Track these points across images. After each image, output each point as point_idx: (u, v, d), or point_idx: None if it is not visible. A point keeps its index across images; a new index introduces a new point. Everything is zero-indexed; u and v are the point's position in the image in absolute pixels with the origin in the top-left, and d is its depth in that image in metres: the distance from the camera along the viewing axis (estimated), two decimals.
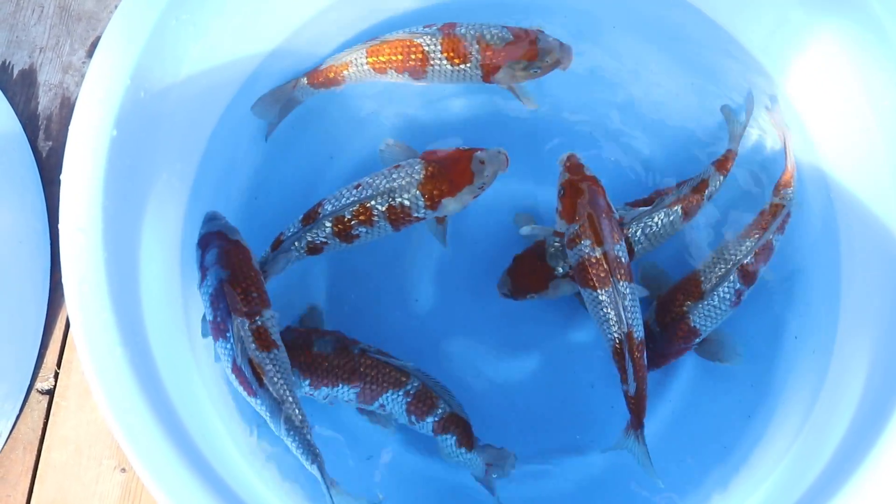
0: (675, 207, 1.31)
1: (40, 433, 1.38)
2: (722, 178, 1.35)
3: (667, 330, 1.30)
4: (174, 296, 1.28)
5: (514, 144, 1.35)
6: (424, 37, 1.28)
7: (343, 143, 1.42)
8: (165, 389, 1.12)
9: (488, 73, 1.30)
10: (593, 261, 1.22)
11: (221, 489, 1.07)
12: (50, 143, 1.51)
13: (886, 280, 1.27)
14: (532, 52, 1.30)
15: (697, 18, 1.45)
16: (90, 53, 1.25)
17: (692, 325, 1.29)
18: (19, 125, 1.50)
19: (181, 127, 1.28)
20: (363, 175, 1.30)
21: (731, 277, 1.29)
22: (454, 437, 1.22)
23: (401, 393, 1.20)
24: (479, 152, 1.29)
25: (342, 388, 1.20)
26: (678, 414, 1.35)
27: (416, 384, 1.21)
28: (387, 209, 1.25)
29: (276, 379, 1.13)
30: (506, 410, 1.34)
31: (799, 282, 1.39)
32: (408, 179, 1.26)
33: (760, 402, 1.34)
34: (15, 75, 1.55)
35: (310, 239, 1.28)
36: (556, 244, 1.30)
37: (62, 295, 1.36)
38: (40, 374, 1.40)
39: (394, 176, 1.26)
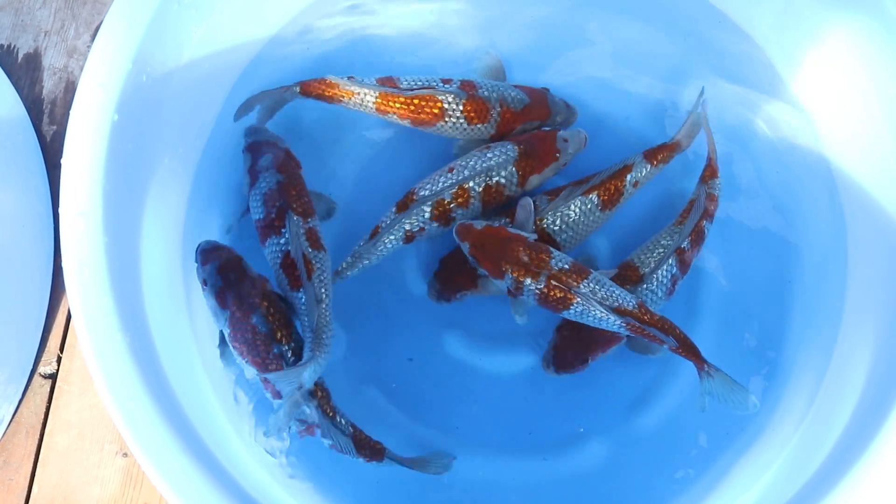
0: (591, 195, 1.30)
1: (43, 417, 1.38)
2: (649, 167, 1.33)
3: None
4: (175, 281, 1.28)
5: None
6: (447, 95, 1.31)
7: (348, 126, 1.42)
8: (166, 375, 1.13)
9: (501, 134, 1.35)
10: (546, 291, 1.20)
11: (221, 475, 1.07)
12: (54, 127, 1.51)
13: (891, 270, 1.26)
14: (545, 113, 1.36)
15: (701, 5, 1.44)
16: (95, 37, 1.25)
17: None
18: (24, 109, 1.50)
19: (183, 111, 1.28)
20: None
21: (670, 262, 1.27)
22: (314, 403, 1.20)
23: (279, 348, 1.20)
24: (561, 131, 1.33)
25: (248, 365, 1.19)
26: (684, 401, 1.34)
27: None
28: (483, 189, 1.29)
29: (322, 277, 1.20)
30: (506, 402, 1.34)
31: (804, 271, 1.38)
32: (504, 158, 1.29)
33: (765, 390, 1.34)
34: (20, 59, 1.54)
35: (408, 227, 1.29)
36: None
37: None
38: (43, 359, 1.40)
39: (488, 155, 1.30)
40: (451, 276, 1.32)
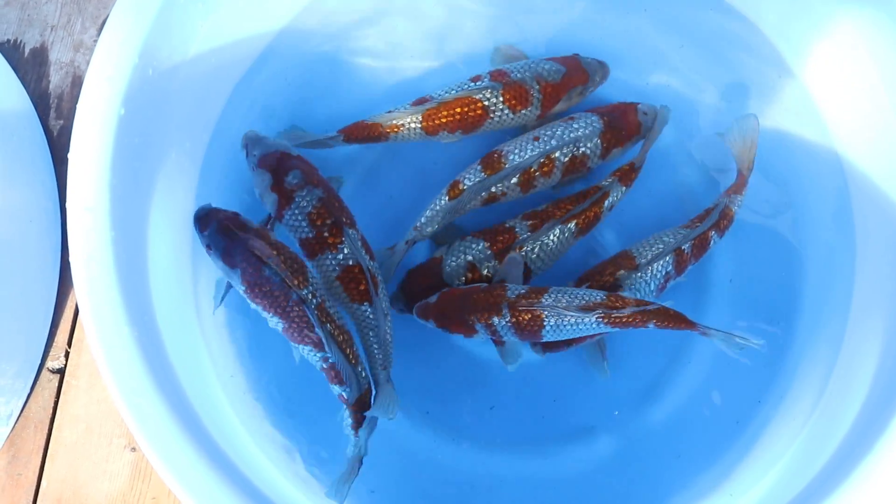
0: (570, 223, 1.29)
1: (51, 412, 1.38)
2: (624, 189, 1.32)
3: None
4: (184, 276, 1.27)
5: None
6: (484, 91, 1.29)
7: (352, 119, 1.38)
8: (174, 370, 1.12)
9: (546, 110, 1.33)
10: (515, 320, 1.20)
11: (230, 470, 1.07)
12: (61, 121, 1.50)
13: None
14: (584, 76, 1.34)
15: None
16: (101, 31, 1.25)
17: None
18: (30, 104, 1.50)
19: (190, 105, 1.28)
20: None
21: (667, 258, 1.26)
22: (349, 418, 1.20)
23: (318, 356, 1.18)
24: (640, 105, 1.34)
25: (271, 317, 1.17)
26: (692, 395, 1.34)
27: (333, 359, 1.18)
28: (568, 160, 1.29)
29: (384, 289, 1.22)
30: (513, 396, 1.34)
31: (812, 263, 1.37)
32: (590, 129, 1.30)
33: (772, 385, 1.33)
34: (26, 54, 1.54)
35: (494, 190, 1.28)
36: (452, 263, 1.28)
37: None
38: (51, 353, 1.40)
39: (574, 126, 1.29)
40: (418, 290, 1.30)
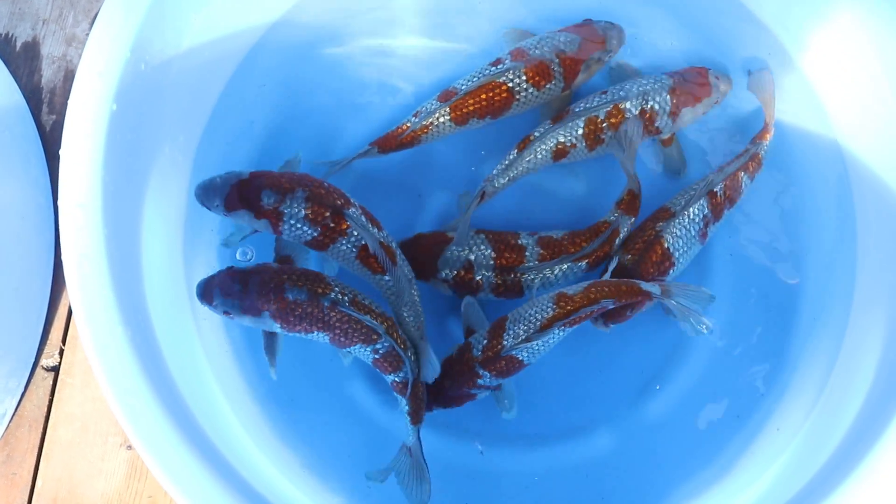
0: (582, 263, 1.28)
1: (46, 410, 1.36)
2: (632, 220, 1.31)
3: (640, 256, 1.26)
4: (177, 273, 1.26)
5: None
6: (506, 73, 1.29)
7: (351, 115, 1.40)
8: (168, 368, 1.12)
9: (568, 82, 1.32)
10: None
11: (225, 470, 1.06)
12: (53, 116, 1.49)
13: None
14: (600, 42, 1.33)
15: None
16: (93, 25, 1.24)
17: (665, 246, 1.26)
18: (22, 98, 1.48)
19: (183, 100, 1.27)
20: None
21: (701, 202, 1.28)
22: (407, 406, 1.21)
23: (369, 349, 1.18)
24: (712, 70, 1.34)
25: (316, 334, 1.18)
26: (691, 389, 1.33)
27: (385, 344, 1.18)
28: (639, 113, 1.28)
29: (400, 257, 1.21)
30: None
31: (813, 256, 1.37)
32: (659, 84, 1.30)
33: (772, 378, 1.33)
34: (18, 48, 1.52)
35: (561, 139, 1.28)
36: (455, 251, 1.27)
37: None
38: (45, 351, 1.39)
39: (643, 81, 1.30)
40: (414, 252, 1.29)
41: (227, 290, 1.14)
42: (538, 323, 1.19)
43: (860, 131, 1.35)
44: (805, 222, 1.37)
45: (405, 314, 1.22)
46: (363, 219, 1.19)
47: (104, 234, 1.06)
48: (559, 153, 1.29)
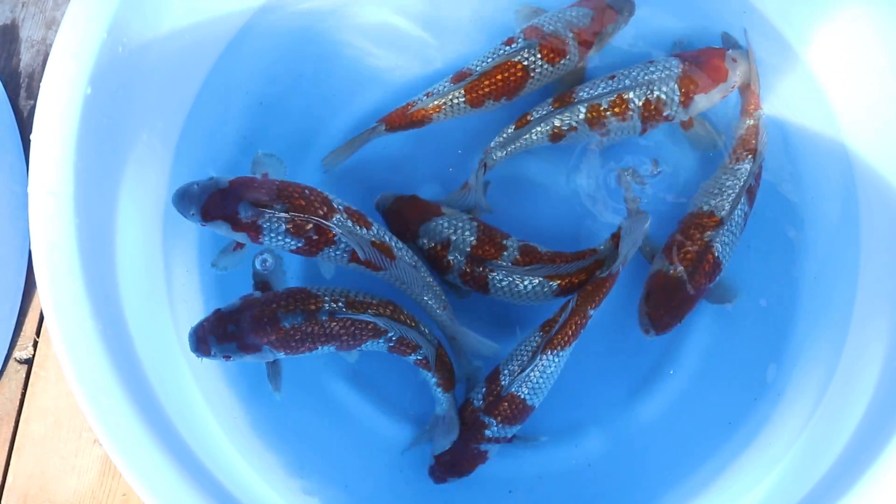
0: (554, 282, 1.24)
1: (18, 404, 1.34)
2: (623, 260, 1.26)
3: (692, 267, 1.25)
4: (155, 265, 1.24)
5: None
6: (521, 52, 1.28)
7: (336, 106, 1.37)
8: (141, 365, 1.09)
9: (582, 55, 1.32)
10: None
11: (200, 473, 1.04)
12: (32, 101, 1.45)
13: None
14: (612, 14, 1.33)
15: None
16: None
17: (716, 255, 1.25)
18: None
19: (163, 85, 1.23)
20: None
21: (742, 200, 1.27)
22: (435, 378, 1.23)
23: (381, 341, 1.19)
24: (730, 51, 1.31)
25: (321, 348, 1.17)
26: (684, 390, 1.31)
27: (395, 331, 1.18)
28: (643, 103, 1.27)
29: (399, 245, 1.20)
30: None
31: (813, 257, 1.34)
32: (666, 73, 1.28)
33: (771, 378, 1.31)
34: None
35: (557, 123, 1.27)
36: (435, 226, 1.26)
37: None
38: (18, 343, 1.36)
39: (651, 69, 1.28)
40: (394, 214, 1.29)
41: (221, 336, 1.13)
42: (528, 354, 1.19)
43: (865, 127, 1.33)
44: (807, 221, 1.35)
45: (426, 299, 1.22)
46: (349, 223, 1.16)
47: (76, 223, 1.03)
48: (558, 135, 1.29)
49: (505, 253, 1.24)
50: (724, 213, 1.26)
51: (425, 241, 1.25)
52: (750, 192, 1.28)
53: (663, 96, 1.27)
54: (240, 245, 1.24)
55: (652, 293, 1.26)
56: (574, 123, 1.28)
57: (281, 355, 1.15)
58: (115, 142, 1.14)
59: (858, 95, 1.32)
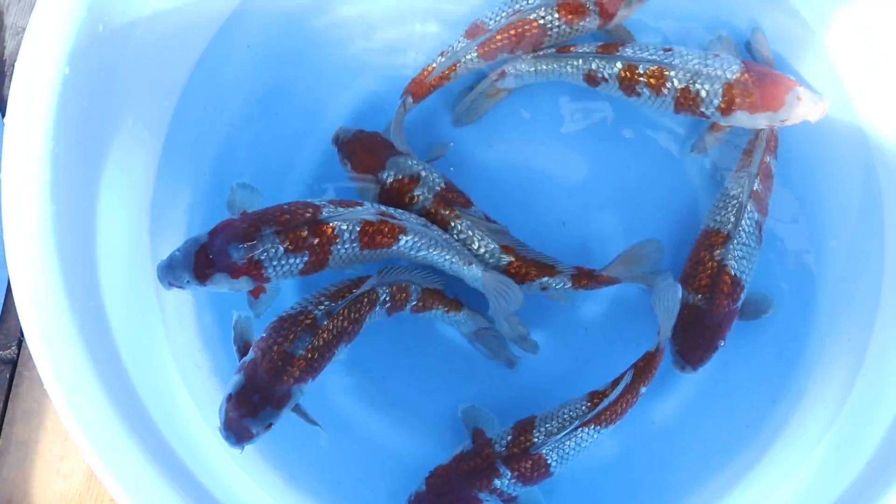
0: (507, 256, 1.22)
1: (2, 406, 1.32)
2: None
3: (710, 293, 1.21)
4: (141, 259, 1.20)
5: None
6: (538, 10, 1.27)
7: (334, 92, 1.33)
8: (123, 363, 1.05)
9: (605, 20, 1.30)
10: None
11: (185, 478, 1.02)
12: None
13: None
14: None
15: None
16: None
17: (733, 273, 1.21)
18: None
19: (150, 69, 1.19)
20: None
21: (749, 207, 1.23)
22: (440, 310, 1.22)
23: (377, 309, 1.16)
24: (801, 87, 1.23)
25: (337, 351, 1.13)
26: (698, 394, 1.28)
27: (385, 293, 1.16)
28: (682, 90, 1.24)
29: (410, 220, 1.17)
30: (511, 395, 1.28)
31: (834, 254, 1.31)
32: (719, 73, 1.23)
33: (789, 380, 1.28)
34: None
35: (594, 67, 1.27)
36: (405, 162, 1.23)
37: None
38: (2, 343, 1.34)
39: (709, 62, 1.24)
40: (353, 148, 1.26)
41: (252, 411, 1.05)
42: (570, 420, 1.15)
43: (887, 120, 1.28)
44: (826, 216, 1.31)
45: (448, 257, 1.17)
46: (340, 209, 1.12)
47: (52, 212, 0.99)
48: (591, 78, 1.28)
49: (473, 208, 1.23)
50: (729, 227, 1.22)
51: (391, 174, 1.21)
52: (758, 198, 1.23)
53: (703, 93, 1.23)
54: (254, 293, 1.18)
55: (678, 330, 1.21)
56: (607, 75, 1.26)
57: (310, 382, 1.09)
58: (97, 127, 1.10)
59: (878, 83, 1.28)
